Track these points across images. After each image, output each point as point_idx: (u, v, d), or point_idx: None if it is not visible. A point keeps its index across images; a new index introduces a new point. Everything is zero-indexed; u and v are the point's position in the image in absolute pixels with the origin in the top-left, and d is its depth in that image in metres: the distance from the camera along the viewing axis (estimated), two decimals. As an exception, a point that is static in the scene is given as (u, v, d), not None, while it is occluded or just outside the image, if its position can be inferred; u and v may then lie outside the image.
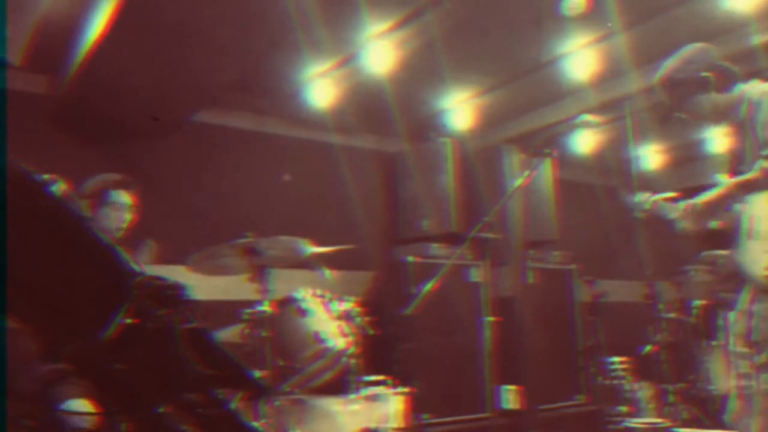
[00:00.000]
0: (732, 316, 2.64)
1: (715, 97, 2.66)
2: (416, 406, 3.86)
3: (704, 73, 2.64)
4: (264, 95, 5.19)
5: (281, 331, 3.42)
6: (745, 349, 2.55)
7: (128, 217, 3.42)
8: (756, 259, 2.45)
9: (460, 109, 5.69)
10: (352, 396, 3.57)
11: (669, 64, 2.76)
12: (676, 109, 2.75)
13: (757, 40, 4.29)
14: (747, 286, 2.60)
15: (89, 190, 3.37)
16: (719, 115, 2.72)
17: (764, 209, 2.50)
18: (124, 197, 3.42)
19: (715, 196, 2.66)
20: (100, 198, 3.36)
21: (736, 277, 2.63)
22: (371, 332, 3.81)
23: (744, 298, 2.61)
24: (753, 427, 2.53)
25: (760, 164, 2.46)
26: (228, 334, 3.48)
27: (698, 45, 2.75)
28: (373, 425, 3.54)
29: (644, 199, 3.01)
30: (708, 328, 4.97)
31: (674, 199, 2.89)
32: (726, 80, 2.66)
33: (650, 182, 6.83)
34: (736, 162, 2.68)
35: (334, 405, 3.51)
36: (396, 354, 4.09)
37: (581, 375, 5.93)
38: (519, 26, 4.37)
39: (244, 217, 4.83)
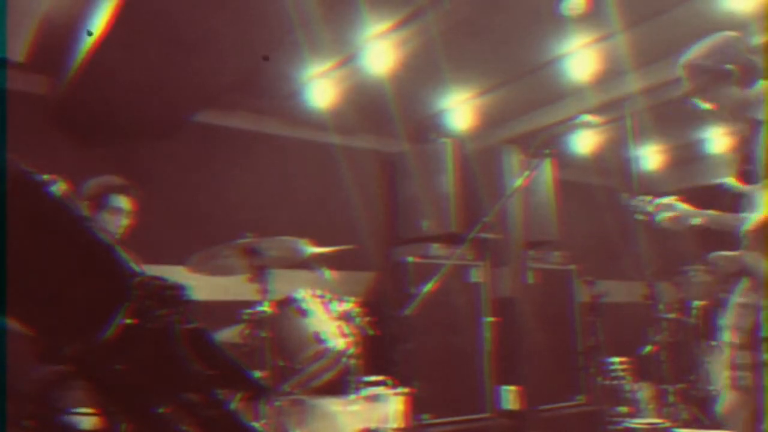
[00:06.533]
0: (730, 309, 2.60)
1: (734, 92, 2.59)
2: (416, 406, 3.87)
3: (729, 66, 2.56)
4: (264, 95, 5.19)
5: (281, 332, 3.42)
6: (747, 343, 2.50)
7: (125, 222, 3.42)
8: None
9: (460, 109, 5.68)
10: (352, 396, 3.57)
11: (697, 49, 2.68)
12: (696, 94, 2.68)
13: (757, 40, 4.29)
14: (745, 280, 2.56)
15: (90, 192, 3.36)
16: (735, 111, 2.64)
17: None
18: (124, 202, 3.43)
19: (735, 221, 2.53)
20: (100, 201, 3.36)
21: (739, 276, 2.58)
22: (371, 332, 3.81)
23: (743, 292, 2.57)
24: (741, 422, 2.51)
25: None
26: (228, 334, 3.48)
27: (729, 34, 2.67)
28: (373, 426, 3.54)
29: (646, 201, 2.89)
30: (708, 328, 4.97)
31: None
32: (748, 76, 2.58)
33: (650, 182, 6.84)
34: (744, 163, 2.60)
35: (334, 405, 3.51)
36: (396, 354, 4.09)
37: (581, 375, 5.92)
38: (519, 26, 4.36)
39: (244, 217, 4.83)
